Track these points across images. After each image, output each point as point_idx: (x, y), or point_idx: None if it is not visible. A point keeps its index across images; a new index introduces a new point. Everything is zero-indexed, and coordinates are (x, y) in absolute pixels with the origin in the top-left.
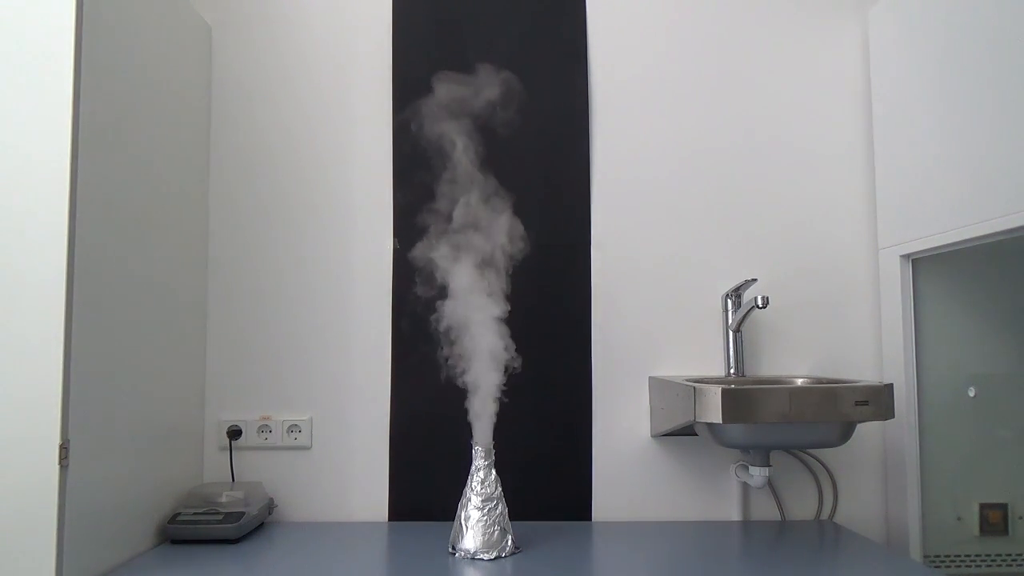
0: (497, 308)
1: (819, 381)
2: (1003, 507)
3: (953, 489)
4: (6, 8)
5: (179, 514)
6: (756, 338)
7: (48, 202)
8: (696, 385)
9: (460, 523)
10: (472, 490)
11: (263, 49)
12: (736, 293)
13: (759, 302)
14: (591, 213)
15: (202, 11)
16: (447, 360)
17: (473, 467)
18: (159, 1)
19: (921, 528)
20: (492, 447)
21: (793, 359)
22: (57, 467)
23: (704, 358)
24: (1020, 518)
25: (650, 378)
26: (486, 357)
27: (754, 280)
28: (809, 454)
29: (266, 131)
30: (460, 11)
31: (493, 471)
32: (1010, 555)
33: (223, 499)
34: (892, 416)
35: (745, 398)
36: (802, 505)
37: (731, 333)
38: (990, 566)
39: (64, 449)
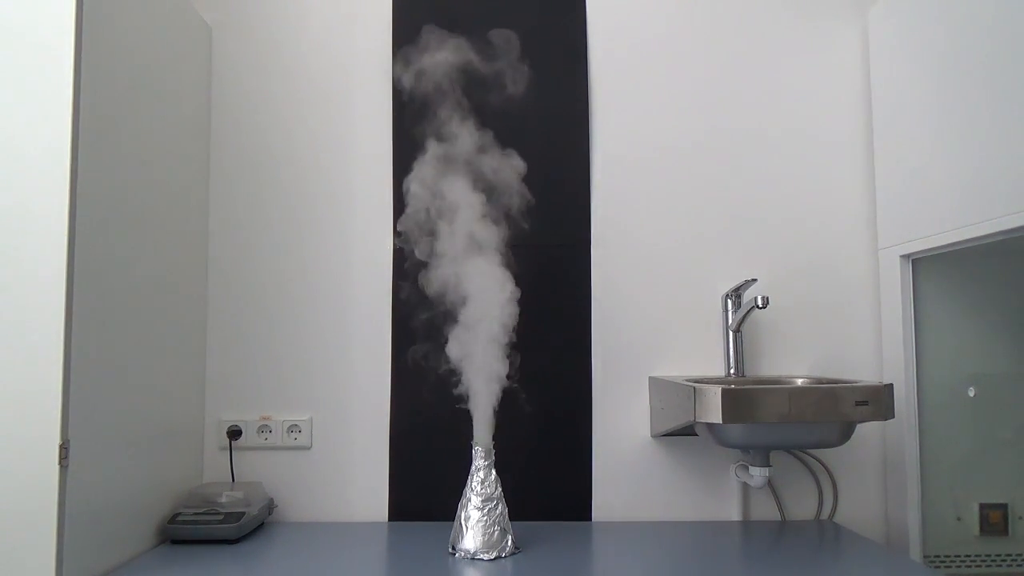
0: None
1: (819, 381)
2: (1003, 507)
3: (953, 489)
4: (6, 8)
5: (179, 514)
6: (756, 338)
7: (48, 202)
8: (696, 385)
9: (460, 523)
10: (472, 490)
11: (263, 49)
12: (736, 293)
13: (759, 302)
14: (591, 212)
15: (202, 11)
16: (447, 360)
17: (473, 467)
18: (159, 1)
19: (921, 528)
20: (492, 447)
21: (793, 359)
22: (57, 467)
23: (704, 358)
24: (1020, 518)
25: (650, 378)
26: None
27: (754, 280)
28: (809, 454)
29: (266, 131)
30: (461, 12)
31: (493, 471)
32: (1010, 555)
33: (223, 499)
34: (892, 416)
35: (745, 398)
36: (802, 505)
37: (731, 333)
38: (990, 566)
39: (64, 449)
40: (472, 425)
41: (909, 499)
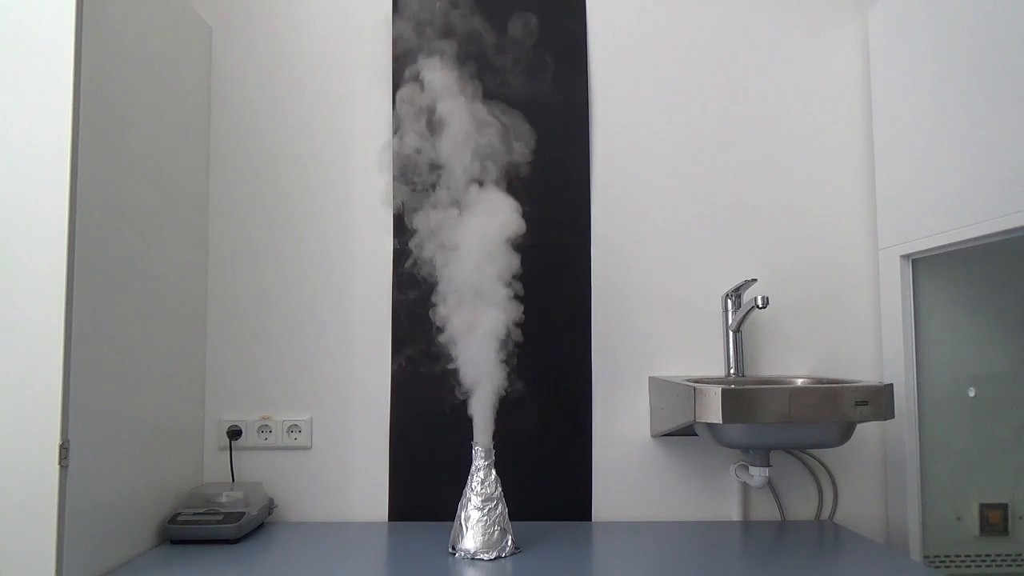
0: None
1: (819, 381)
2: (1003, 507)
3: (953, 489)
4: (6, 8)
5: (179, 514)
6: (756, 338)
7: (48, 202)
8: (696, 385)
9: (460, 523)
10: (472, 490)
11: (263, 49)
12: (736, 293)
13: (759, 302)
14: (591, 213)
15: (202, 11)
16: (447, 360)
17: (473, 467)
18: (159, 1)
19: (921, 528)
20: (492, 447)
21: (793, 359)
22: (57, 467)
23: (704, 358)
24: (1020, 518)
25: (650, 378)
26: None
27: (754, 280)
28: (809, 454)
29: (266, 131)
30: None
31: (493, 471)
32: (1010, 555)
33: (223, 499)
34: (892, 416)
35: (745, 398)
36: (802, 505)
37: (731, 333)
38: (990, 566)
39: (64, 449)
40: (472, 425)
41: (909, 499)
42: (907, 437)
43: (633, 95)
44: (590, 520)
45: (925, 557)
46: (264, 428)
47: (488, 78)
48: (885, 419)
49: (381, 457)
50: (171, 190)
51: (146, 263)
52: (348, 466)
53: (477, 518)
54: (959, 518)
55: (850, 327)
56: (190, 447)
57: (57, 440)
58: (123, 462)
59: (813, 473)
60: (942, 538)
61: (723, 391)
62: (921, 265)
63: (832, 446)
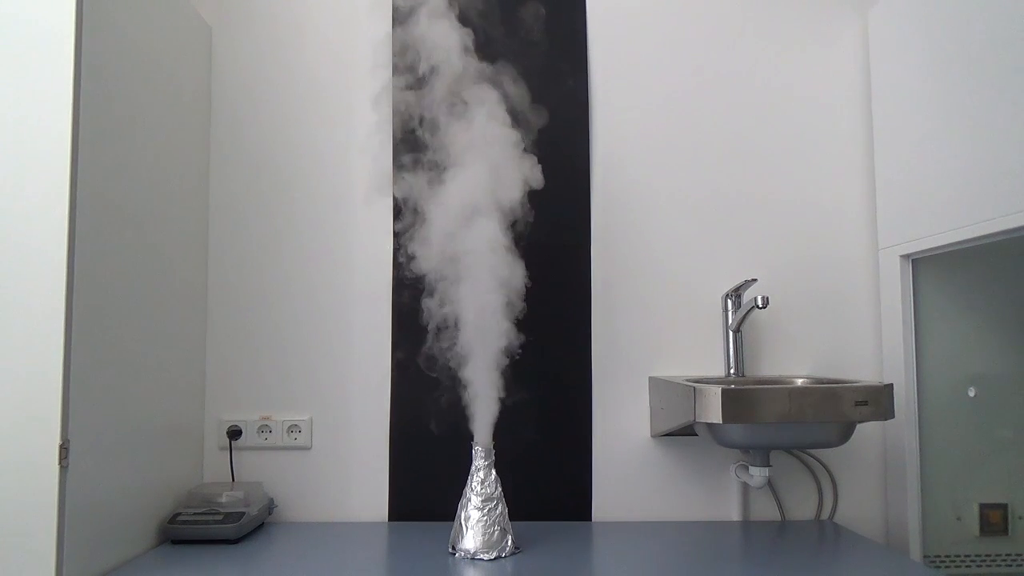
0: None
1: (819, 381)
2: (1003, 507)
3: (953, 489)
4: (6, 8)
5: (179, 514)
6: (756, 338)
7: (48, 202)
8: (696, 385)
9: (460, 523)
10: (472, 490)
11: (263, 49)
12: (736, 293)
13: (759, 302)
14: (591, 213)
15: (202, 11)
16: (447, 360)
17: (473, 467)
18: (159, 1)
19: (921, 528)
20: (492, 447)
21: (793, 359)
22: (57, 467)
23: (704, 358)
24: (1020, 518)
25: (650, 378)
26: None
27: (754, 280)
28: (809, 454)
29: (266, 131)
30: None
31: (493, 471)
32: (1010, 555)
33: (223, 499)
34: (892, 416)
35: (745, 398)
36: (802, 505)
37: (731, 333)
38: (990, 566)
39: (64, 449)
40: (472, 425)
41: (909, 499)
42: (907, 437)
43: (633, 96)
44: (590, 520)
45: (925, 557)
46: (264, 428)
47: (488, 77)
48: (885, 419)
49: (381, 457)
50: (171, 190)
51: (146, 263)
52: (348, 466)
53: (477, 518)
54: (959, 518)
55: (850, 327)
56: (190, 447)
57: (57, 440)
58: (123, 462)
59: (813, 473)
60: (942, 538)
61: (723, 391)
62: (921, 265)
63: (832, 446)
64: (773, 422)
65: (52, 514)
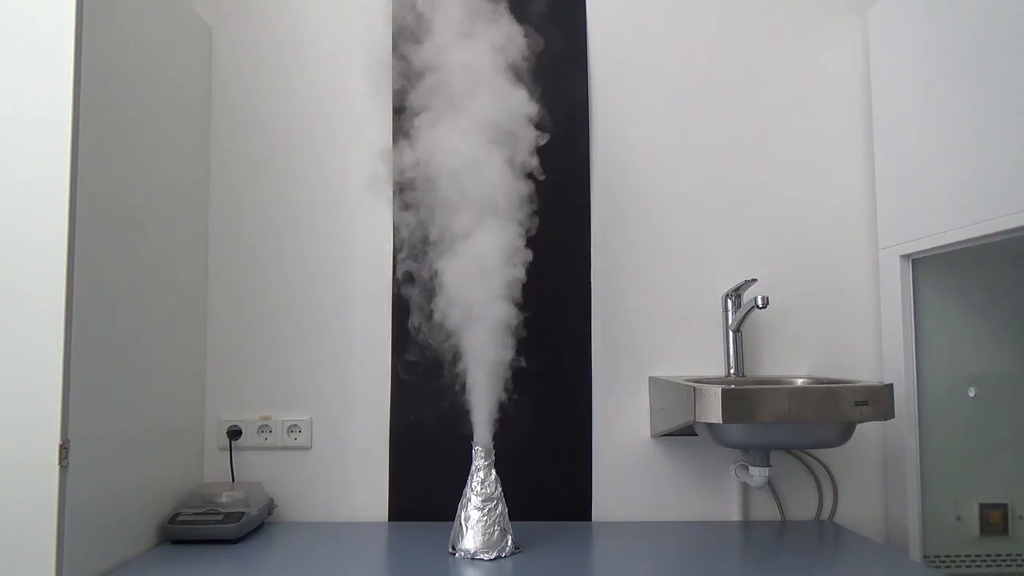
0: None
1: (819, 381)
2: (1003, 507)
3: (953, 489)
4: (6, 8)
5: (179, 514)
6: (756, 338)
7: (48, 202)
8: (696, 385)
9: (460, 523)
10: (472, 490)
11: (263, 49)
12: (736, 293)
13: (759, 302)
14: (591, 213)
15: (202, 11)
16: (447, 359)
17: (473, 467)
18: (159, 1)
19: (921, 528)
20: (492, 447)
21: (793, 359)
22: (57, 467)
23: (704, 358)
24: (1020, 518)
25: (650, 378)
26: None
27: (754, 280)
28: (809, 454)
29: (266, 131)
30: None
31: (493, 471)
32: (1010, 555)
33: (223, 499)
34: (892, 416)
35: (745, 398)
36: (802, 505)
37: (731, 333)
38: (990, 566)
39: (64, 449)
40: (472, 425)
41: (909, 499)
42: (907, 437)
43: (633, 96)
44: (590, 520)
45: (925, 557)
46: (264, 428)
47: (488, 76)
48: (885, 419)
49: (381, 457)
50: (171, 190)
51: (146, 263)
52: (348, 466)
53: (477, 518)
54: (959, 518)
55: (850, 327)
56: (190, 447)
57: (57, 440)
58: (123, 462)
59: (813, 473)
60: (942, 538)
61: (723, 391)
62: (921, 265)
63: (832, 446)
64: (773, 422)
65: (52, 514)
